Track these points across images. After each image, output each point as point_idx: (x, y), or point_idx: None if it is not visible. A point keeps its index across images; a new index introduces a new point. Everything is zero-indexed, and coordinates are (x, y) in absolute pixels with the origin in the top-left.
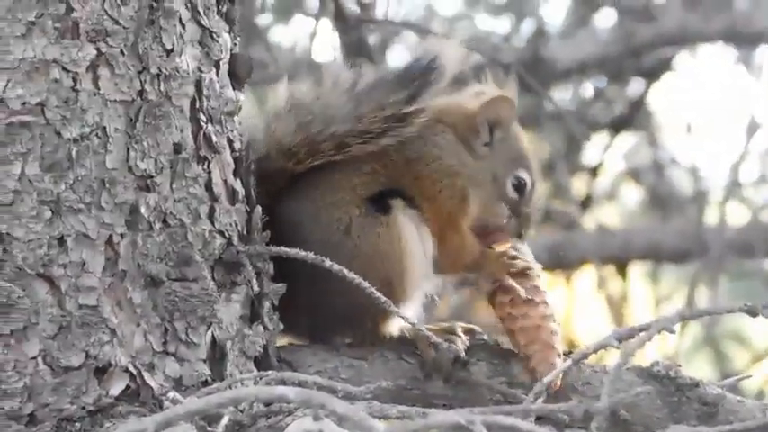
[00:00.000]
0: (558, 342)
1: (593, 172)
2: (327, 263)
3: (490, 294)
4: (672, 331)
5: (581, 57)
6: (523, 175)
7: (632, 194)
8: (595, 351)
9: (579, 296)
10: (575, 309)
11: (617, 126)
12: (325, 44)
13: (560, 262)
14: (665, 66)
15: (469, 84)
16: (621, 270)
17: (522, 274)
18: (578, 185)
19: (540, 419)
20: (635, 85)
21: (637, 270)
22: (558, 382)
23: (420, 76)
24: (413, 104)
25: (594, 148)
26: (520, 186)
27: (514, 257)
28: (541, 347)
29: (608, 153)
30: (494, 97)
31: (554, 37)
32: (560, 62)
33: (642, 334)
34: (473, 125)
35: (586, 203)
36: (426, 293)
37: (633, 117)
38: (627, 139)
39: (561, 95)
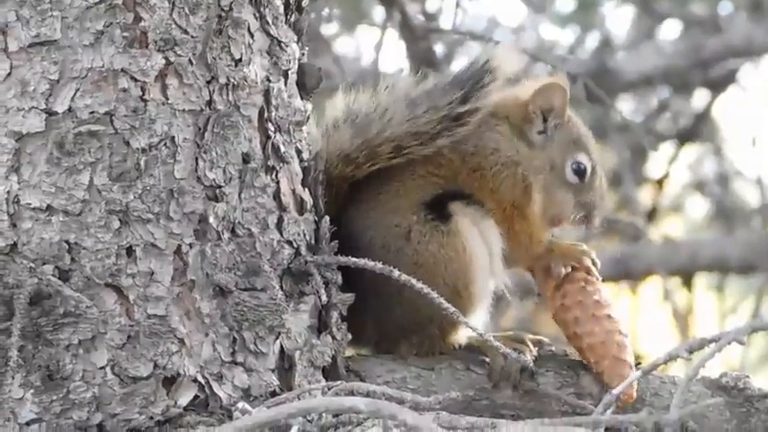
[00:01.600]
0: (629, 354)
1: (659, 184)
2: (395, 273)
3: (557, 295)
4: (742, 342)
5: (646, 68)
6: (582, 159)
7: (698, 206)
8: (666, 362)
9: (645, 308)
10: (640, 321)
11: (682, 138)
12: (392, 54)
13: (626, 273)
14: (730, 78)
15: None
16: (687, 282)
17: (586, 282)
18: (644, 197)
19: (609, 431)
20: (700, 97)
21: (702, 282)
22: (634, 393)
23: (473, 77)
24: (467, 104)
25: (660, 160)
26: (579, 171)
27: (583, 250)
28: (612, 363)
29: (673, 165)
30: (544, 84)
31: (619, 48)
32: (626, 74)
33: (712, 345)
34: (526, 114)
35: (652, 215)
36: (494, 295)
37: (698, 129)
38: (692, 151)
39: (626, 107)
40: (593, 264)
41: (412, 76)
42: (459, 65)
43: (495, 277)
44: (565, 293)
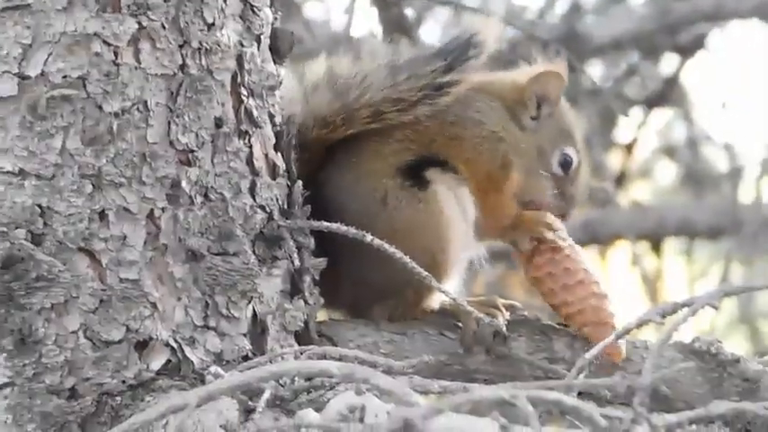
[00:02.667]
0: (607, 315)
1: (628, 149)
2: (368, 237)
3: (529, 268)
4: (715, 307)
5: (616, 33)
6: (570, 152)
7: (667, 171)
8: (639, 326)
9: (613, 273)
10: (609, 285)
11: (651, 103)
12: (363, 19)
13: (594, 238)
14: (699, 43)
15: (518, 64)
16: (656, 247)
17: (554, 250)
18: (613, 162)
19: (581, 395)
20: (669, 62)
21: (671, 247)
22: (623, 351)
23: (458, 49)
24: (449, 75)
25: (629, 125)
26: (566, 163)
27: (551, 222)
28: (592, 329)
29: (642, 130)
30: (543, 71)
31: (589, 12)
32: (595, 38)
33: (685, 309)
34: (521, 98)
35: (621, 180)
36: (467, 263)
37: (667, 94)
38: (661, 116)
39: (595, 72)
40: (556, 232)
41: (394, 43)
42: (427, 30)
43: (470, 244)
44: (536, 266)
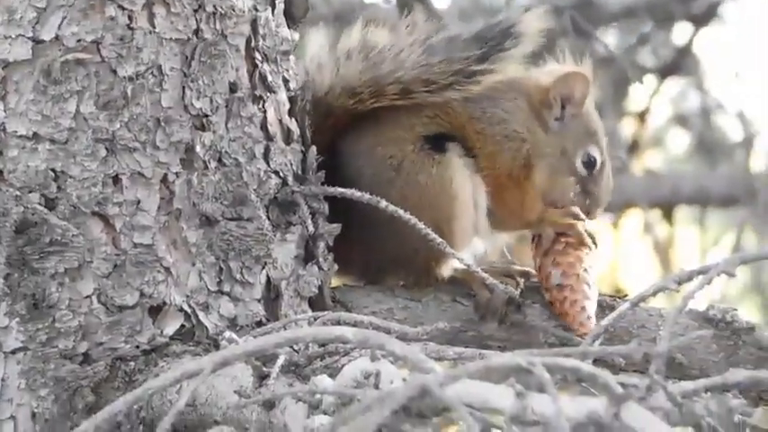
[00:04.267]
0: (591, 308)
1: (641, 117)
2: (383, 203)
3: (539, 251)
4: (732, 275)
5: (629, 1)
6: (594, 152)
7: (679, 140)
8: (654, 294)
9: (625, 240)
10: (621, 253)
11: (664, 72)
12: None
13: (607, 206)
14: (712, 12)
15: (547, 60)
16: (668, 215)
17: (568, 245)
18: (625, 131)
19: (595, 362)
20: (682, 31)
21: (683, 215)
22: (589, 327)
23: (496, 38)
24: (484, 64)
25: (641, 94)
26: (590, 163)
27: (576, 216)
28: (571, 317)
29: (655, 98)
30: (568, 72)
31: None
32: (609, 5)
33: (701, 277)
34: (546, 98)
35: (633, 149)
36: (480, 246)
37: (680, 63)
38: (674, 85)
39: (608, 41)
40: (586, 235)
41: (432, 22)
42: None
43: (480, 231)
44: (545, 251)
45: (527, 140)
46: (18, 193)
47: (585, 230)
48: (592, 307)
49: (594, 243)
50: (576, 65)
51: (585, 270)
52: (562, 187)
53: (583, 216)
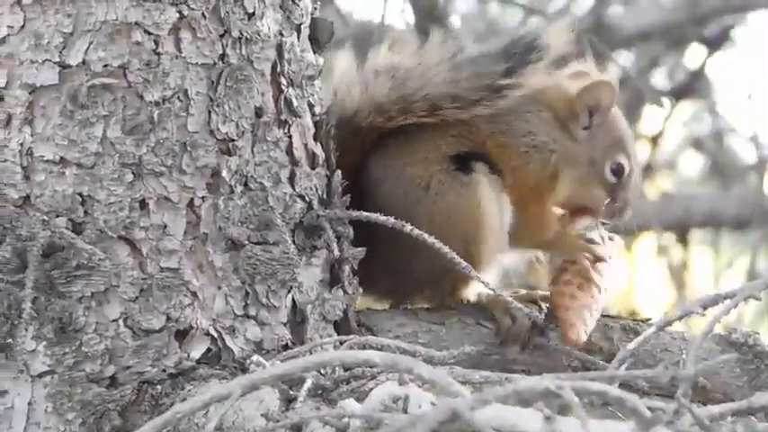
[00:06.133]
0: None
1: (654, 140)
2: (408, 228)
3: (554, 276)
4: (758, 298)
5: (644, 24)
6: (622, 160)
7: (692, 163)
8: (680, 318)
9: (640, 263)
10: (635, 276)
11: (677, 95)
12: (396, 8)
13: (621, 229)
14: (725, 35)
15: (569, 62)
16: (682, 237)
17: (576, 274)
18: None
19: (618, 386)
20: (695, 54)
21: (697, 238)
22: (581, 339)
23: (522, 52)
24: (510, 78)
25: (655, 117)
26: (618, 171)
27: (591, 241)
28: (570, 327)
29: (668, 122)
30: (595, 81)
31: (616, 2)
32: (623, 29)
33: (728, 301)
34: (573, 108)
35: (647, 172)
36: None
37: (693, 86)
38: (687, 108)
39: (623, 63)
40: (597, 261)
41: (458, 40)
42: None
43: (503, 249)
44: (556, 278)
45: (555, 151)
46: (45, 217)
47: (596, 257)
48: (592, 322)
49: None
50: (599, 71)
51: (597, 288)
52: (591, 196)
53: (600, 250)
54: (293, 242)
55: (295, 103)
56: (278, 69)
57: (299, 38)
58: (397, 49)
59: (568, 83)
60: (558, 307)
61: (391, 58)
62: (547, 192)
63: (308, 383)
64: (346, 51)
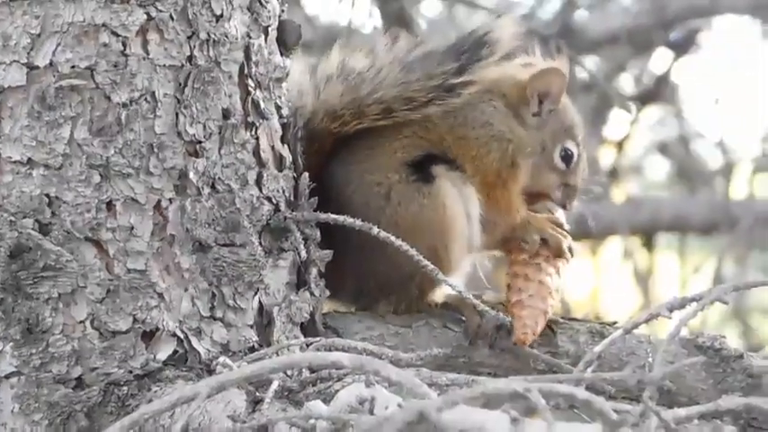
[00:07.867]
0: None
1: (620, 145)
2: (375, 230)
3: (515, 263)
4: (725, 302)
5: (610, 28)
6: (571, 146)
7: (658, 168)
8: (647, 321)
9: (605, 267)
10: (601, 280)
11: (643, 99)
12: (362, 11)
13: (587, 233)
14: (691, 39)
15: (518, 56)
16: (648, 242)
17: (546, 260)
18: (604, 158)
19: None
20: (662, 58)
21: (663, 242)
22: (529, 338)
23: (471, 49)
24: (462, 76)
25: (620, 121)
26: (567, 157)
27: (560, 224)
28: (525, 328)
29: (634, 126)
30: (544, 68)
31: (583, 7)
32: (589, 33)
33: (694, 304)
34: (523, 95)
35: (613, 176)
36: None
37: (660, 90)
38: (654, 112)
39: (589, 67)
40: (565, 249)
41: (409, 38)
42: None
43: (473, 243)
44: (523, 262)
45: (512, 140)
46: (12, 218)
47: (566, 241)
48: (542, 321)
49: (572, 254)
50: (551, 61)
51: (550, 278)
52: (545, 181)
53: (567, 227)
54: (260, 244)
55: (262, 105)
56: (245, 71)
57: (266, 40)
58: (348, 52)
59: (520, 71)
60: (513, 304)
61: (343, 63)
62: (510, 178)
63: (275, 385)
64: (299, 57)
